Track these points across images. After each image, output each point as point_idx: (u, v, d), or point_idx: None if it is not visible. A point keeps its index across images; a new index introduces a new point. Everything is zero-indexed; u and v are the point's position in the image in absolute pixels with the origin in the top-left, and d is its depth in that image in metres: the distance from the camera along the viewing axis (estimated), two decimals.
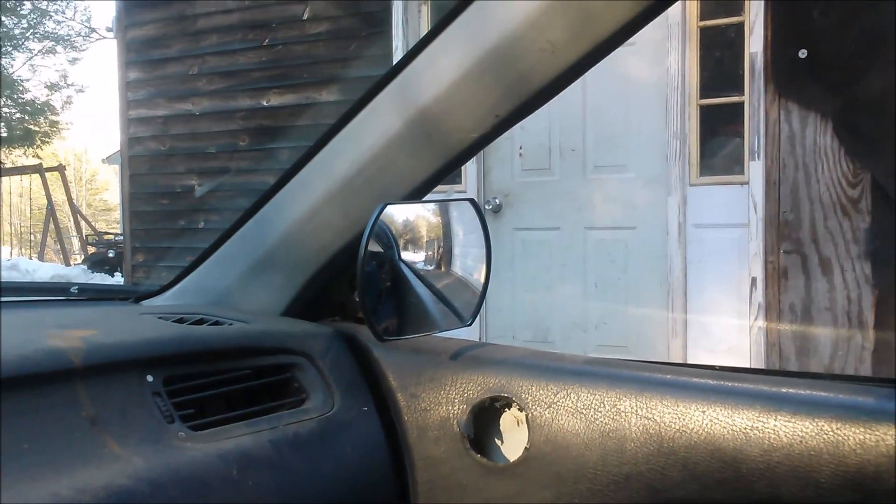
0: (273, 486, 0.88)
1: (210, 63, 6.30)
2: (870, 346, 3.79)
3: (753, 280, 4.15)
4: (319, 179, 1.08)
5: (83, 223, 16.32)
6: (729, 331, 4.31)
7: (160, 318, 1.03)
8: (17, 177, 18.82)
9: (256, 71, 6.09)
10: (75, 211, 16.36)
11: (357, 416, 0.99)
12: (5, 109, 16.48)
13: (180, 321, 1.02)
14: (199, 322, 1.03)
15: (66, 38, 16.64)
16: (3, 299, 1.17)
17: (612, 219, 4.73)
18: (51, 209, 16.27)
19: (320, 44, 5.84)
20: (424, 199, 1.08)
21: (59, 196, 16.47)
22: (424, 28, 5.40)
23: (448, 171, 1.05)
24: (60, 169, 16.50)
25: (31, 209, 21.90)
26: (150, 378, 0.87)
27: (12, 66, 16.54)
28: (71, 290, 1.18)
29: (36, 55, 18.02)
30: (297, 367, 1.00)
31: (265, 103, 6.05)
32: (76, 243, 15.96)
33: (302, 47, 5.92)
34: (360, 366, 1.04)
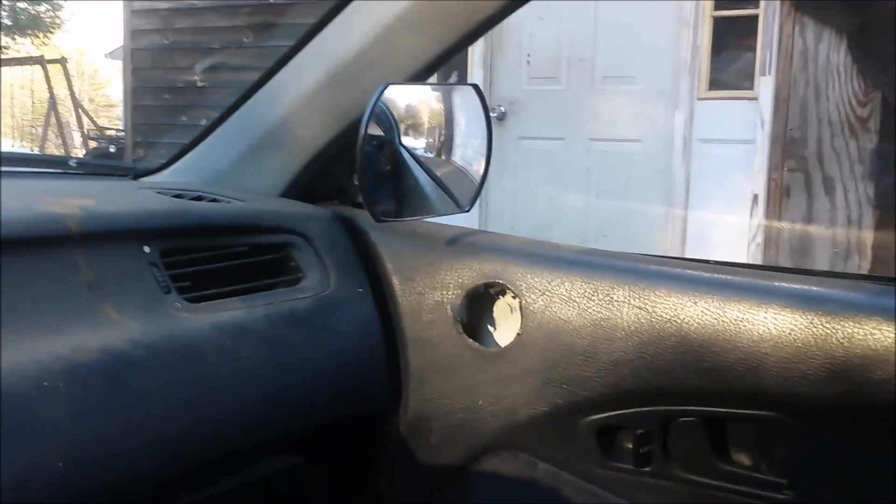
0: (267, 358, 0.89)
1: None
2: (867, 267, 3.80)
3: (755, 197, 4.14)
4: (321, 60, 1.07)
5: (85, 118, 16.18)
6: (728, 246, 4.32)
7: (158, 192, 1.02)
8: (19, 68, 18.59)
9: None
10: (77, 105, 16.20)
11: (352, 296, 1.00)
12: None
13: (178, 196, 1.01)
14: (198, 199, 1.03)
15: None
16: (3, 169, 1.16)
17: (618, 131, 4.69)
18: (52, 102, 16.09)
19: None
20: (427, 81, 1.07)
21: (61, 90, 16.28)
22: None
23: (452, 54, 1.03)
24: (63, 62, 16.25)
25: (32, 102, 21.69)
26: (147, 249, 0.87)
27: None
28: (69, 162, 1.18)
29: None
30: (293, 246, 1.01)
31: None
32: (77, 137, 15.86)
33: None
34: (357, 248, 1.05)
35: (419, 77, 1.04)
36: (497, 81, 5.00)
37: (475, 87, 1.04)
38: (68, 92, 16.20)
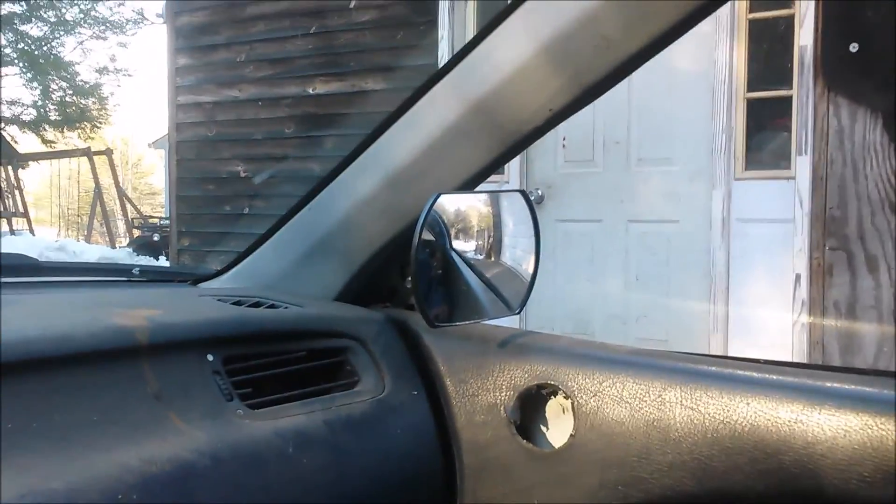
0: (326, 464, 0.91)
1: (257, 50, 6.37)
2: None
3: (797, 276, 4.12)
4: (375, 168, 1.11)
5: (129, 206, 16.59)
6: (771, 327, 4.27)
7: (219, 300, 1.06)
8: (66, 160, 19.20)
9: (303, 59, 6.15)
10: (121, 194, 16.64)
11: (407, 399, 1.02)
12: (58, 92, 16.79)
13: (238, 304, 1.05)
14: (256, 305, 1.06)
15: (116, 23, 16.89)
16: (69, 279, 1.22)
17: (655, 212, 4.72)
18: (98, 192, 16.55)
19: (366, 32, 5.88)
20: (476, 189, 1.11)
21: (105, 179, 16.76)
22: (471, 20, 5.41)
23: (500, 163, 1.07)
24: (108, 153, 16.78)
25: (78, 192, 22.30)
26: (210, 357, 0.90)
27: (63, 48, 16.84)
28: (133, 271, 1.22)
29: (87, 39, 18.34)
30: (349, 350, 1.04)
31: (311, 91, 6.11)
32: (122, 226, 16.24)
33: (348, 36, 5.96)
34: (410, 351, 1.07)
35: (470, 184, 1.08)
36: (533, 165, 5.08)
37: (522, 192, 1.08)
38: (113, 182, 16.67)
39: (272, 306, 1.06)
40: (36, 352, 0.79)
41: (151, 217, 15.72)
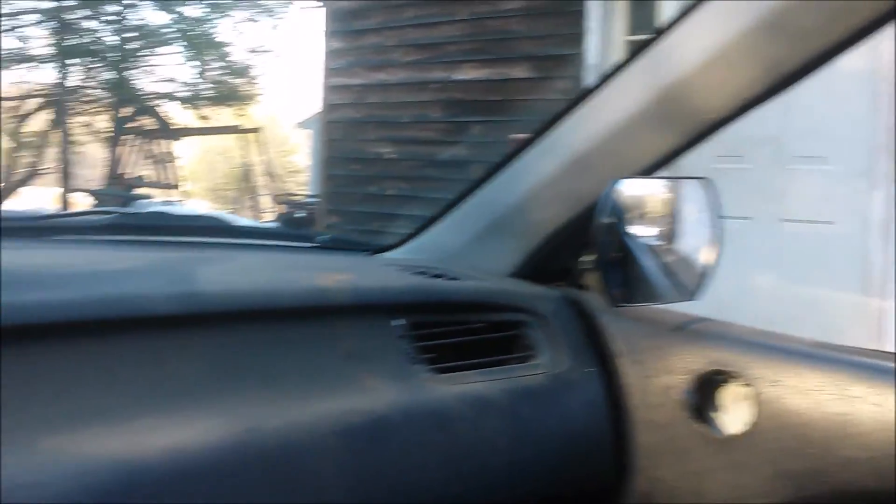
0: (504, 430, 0.95)
1: (408, 35, 6.50)
2: None
3: None
4: (557, 151, 1.14)
5: (274, 183, 17.24)
6: None
7: (403, 269, 1.12)
8: (216, 136, 20.14)
9: (451, 44, 6.23)
10: (269, 171, 17.29)
11: (582, 376, 1.05)
12: (212, 71, 17.59)
13: (420, 274, 1.10)
14: (437, 276, 1.11)
15: (268, 7, 17.53)
16: (259, 242, 1.30)
17: (809, 211, 4.55)
18: (247, 168, 17.28)
19: (513, 20, 5.91)
20: (657, 175, 1.12)
21: (254, 157, 17.45)
22: (621, 12, 5.35)
23: (683, 151, 1.08)
24: (257, 130, 17.48)
25: (228, 167, 23.32)
26: (397, 322, 0.96)
27: (218, 29, 17.61)
28: (317, 238, 1.30)
29: (242, 21, 19.11)
30: (526, 325, 1.07)
31: (457, 77, 6.19)
32: (267, 201, 16.88)
33: (496, 23, 6.00)
34: (586, 329, 1.10)
35: (650, 171, 1.10)
36: (683, 160, 4.97)
37: (706, 180, 1.09)
38: (260, 159, 17.34)
39: (453, 278, 1.10)
40: (248, 305, 0.86)
41: (293, 194, 16.27)
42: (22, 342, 0.68)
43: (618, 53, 5.33)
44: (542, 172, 1.15)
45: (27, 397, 0.66)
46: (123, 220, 1.25)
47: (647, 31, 5.24)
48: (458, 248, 1.24)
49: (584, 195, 1.12)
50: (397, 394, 0.89)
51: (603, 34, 5.34)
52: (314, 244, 1.34)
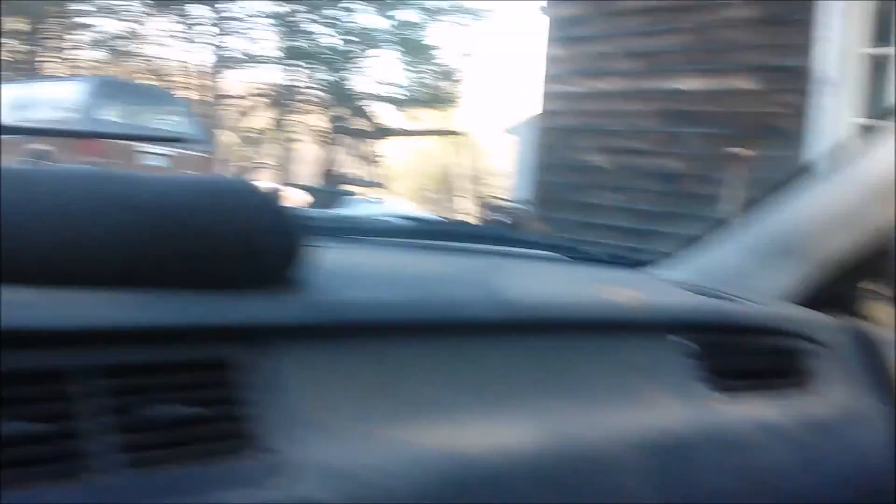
0: (790, 458, 0.93)
1: (628, 43, 6.42)
2: None
3: None
4: (858, 176, 1.10)
5: (476, 187, 17.53)
6: None
7: (685, 288, 1.11)
8: (421, 138, 20.74)
9: (672, 54, 6.10)
10: (470, 174, 17.60)
11: (869, 412, 1.01)
12: (423, 75, 18.11)
13: (701, 293, 1.10)
14: (716, 297, 1.10)
15: (481, 13, 17.83)
16: (515, 249, 1.31)
17: None
18: (450, 171, 17.67)
19: (738, 29, 5.70)
20: None
21: (458, 159, 17.81)
22: (859, 20, 5.03)
23: None
24: (462, 134, 17.83)
25: (433, 169, 23.95)
26: (685, 341, 0.95)
27: (429, 34, 18.12)
28: (577, 248, 1.30)
29: (451, 25, 19.57)
30: (809, 353, 1.04)
31: (678, 86, 6.05)
32: (467, 204, 17.18)
33: (719, 32, 5.82)
34: (872, 364, 1.05)
35: None
36: None
37: None
38: (465, 163, 17.69)
39: (733, 300, 1.09)
40: (554, 315, 0.89)
41: (495, 198, 16.44)
42: (351, 339, 0.73)
43: (853, 66, 5.02)
44: (832, 198, 1.12)
45: (364, 390, 0.71)
46: (423, 225, 1.33)
47: (887, 43, 4.91)
48: (732, 268, 1.22)
49: (878, 224, 1.08)
50: (688, 412, 0.89)
51: (837, 45, 5.04)
52: (574, 255, 1.34)
